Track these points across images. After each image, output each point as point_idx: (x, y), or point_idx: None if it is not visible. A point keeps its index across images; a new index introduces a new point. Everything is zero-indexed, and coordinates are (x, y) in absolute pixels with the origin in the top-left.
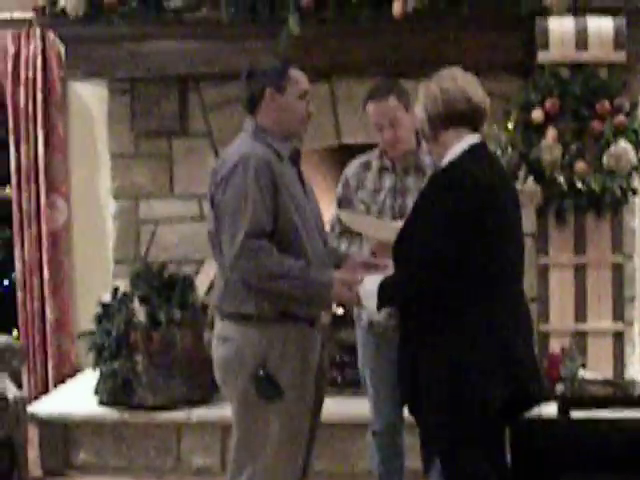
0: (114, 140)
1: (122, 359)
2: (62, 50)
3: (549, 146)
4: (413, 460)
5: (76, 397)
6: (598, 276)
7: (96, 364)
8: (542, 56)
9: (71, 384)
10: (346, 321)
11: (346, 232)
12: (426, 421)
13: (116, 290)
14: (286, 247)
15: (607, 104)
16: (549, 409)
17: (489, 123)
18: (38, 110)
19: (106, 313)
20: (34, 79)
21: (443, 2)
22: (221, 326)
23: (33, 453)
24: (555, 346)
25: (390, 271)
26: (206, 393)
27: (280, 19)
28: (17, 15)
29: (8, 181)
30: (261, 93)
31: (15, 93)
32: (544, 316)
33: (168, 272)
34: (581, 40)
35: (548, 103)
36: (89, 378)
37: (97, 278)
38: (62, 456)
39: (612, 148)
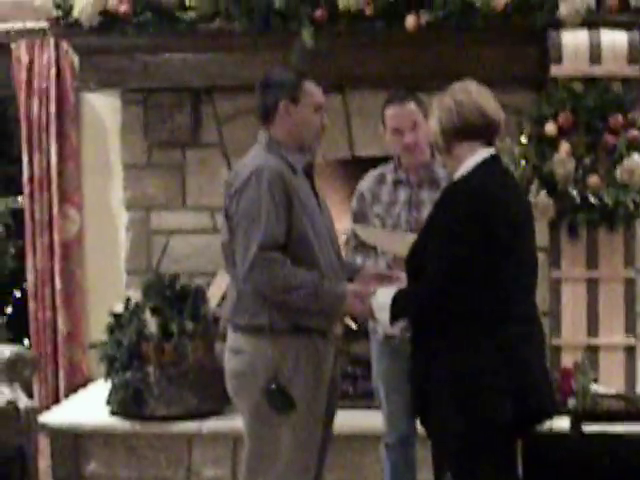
0: (127, 151)
1: (134, 370)
2: (76, 60)
3: (562, 160)
4: (425, 473)
5: (87, 407)
6: (610, 290)
7: (108, 375)
8: (555, 70)
9: (82, 394)
10: (358, 333)
11: (361, 246)
12: (438, 434)
13: (128, 301)
14: (299, 259)
15: (620, 118)
16: (561, 423)
17: (502, 136)
18: (51, 120)
19: (118, 324)
20: (47, 89)
21: (456, 15)
22: (234, 338)
23: (44, 463)
24: (567, 360)
25: (403, 284)
26: (217, 405)
27: (294, 31)
28: (31, 25)
29: (21, 191)
30: (275, 105)
31: (28, 103)
32: (556, 330)
33: (180, 283)
34: (595, 54)
35: (561, 117)
36: (100, 388)
37: (109, 289)
38: (73, 466)
39: (625, 162)
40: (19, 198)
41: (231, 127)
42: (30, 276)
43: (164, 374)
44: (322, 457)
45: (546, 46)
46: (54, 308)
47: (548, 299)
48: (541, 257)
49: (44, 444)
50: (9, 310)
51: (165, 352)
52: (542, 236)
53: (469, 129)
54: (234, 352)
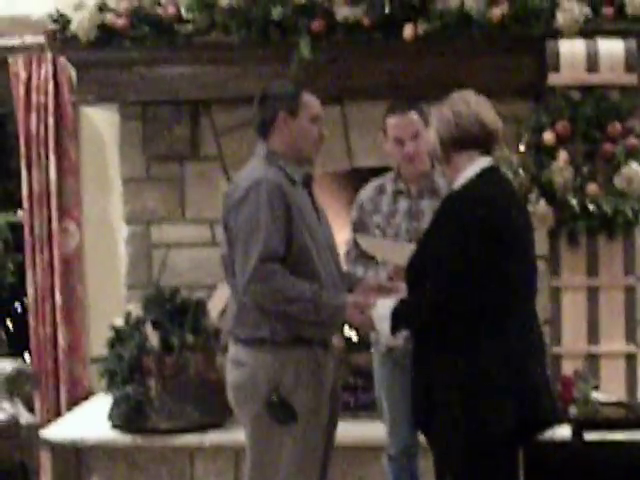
0: (126, 164)
1: (135, 384)
2: (73, 75)
3: (560, 168)
4: None
5: (89, 422)
6: (610, 298)
7: (109, 389)
8: (553, 78)
9: (84, 409)
10: (359, 344)
11: (362, 257)
12: (439, 443)
13: (128, 315)
14: (299, 271)
15: (618, 126)
16: (562, 431)
17: (500, 146)
18: (50, 135)
19: (119, 338)
20: (46, 104)
21: (454, 25)
22: (235, 350)
23: (46, 478)
24: (568, 368)
25: (403, 295)
26: (219, 417)
27: (291, 43)
28: (28, 40)
29: (20, 206)
30: (273, 117)
31: (27, 118)
32: (557, 338)
33: (180, 297)
34: (592, 62)
35: (559, 125)
36: (102, 403)
37: (109, 303)
38: None
39: (623, 170)
40: (18, 213)
41: (230, 139)
42: (30, 291)
43: (165, 387)
44: (324, 468)
45: (543, 55)
46: (54, 323)
47: (548, 307)
48: (541, 265)
49: (46, 459)
50: (9, 325)
51: (166, 365)
52: (542, 244)
53: (468, 139)
54: (235, 364)
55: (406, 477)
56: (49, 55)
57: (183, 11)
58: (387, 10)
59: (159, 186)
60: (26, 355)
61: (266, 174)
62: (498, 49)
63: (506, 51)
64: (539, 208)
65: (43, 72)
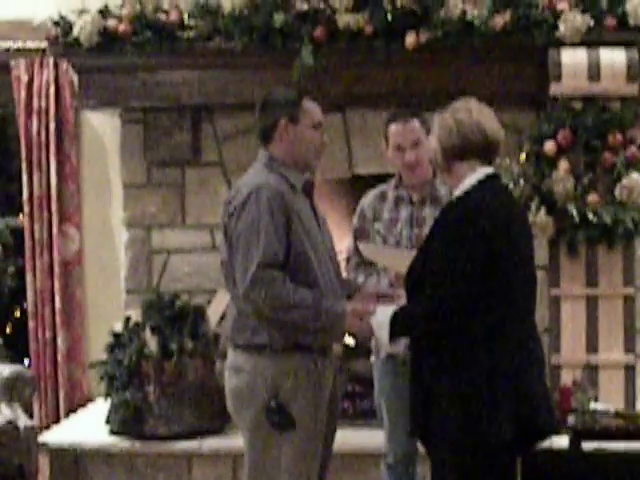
0: (126, 169)
1: (133, 389)
2: (75, 79)
3: (561, 178)
4: None
5: (87, 427)
6: (609, 308)
7: (107, 394)
8: (555, 88)
9: (82, 414)
10: (358, 352)
11: (363, 264)
12: (438, 453)
13: (128, 320)
14: (299, 278)
15: (619, 136)
16: (560, 441)
17: (502, 155)
18: (51, 139)
19: (118, 343)
20: (47, 108)
21: (456, 34)
22: (234, 356)
23: None
24: (567, 378)
25: (403, 302)
26: (217, 423)
27: (293, 50)
28: (30, 44)
29: (20, 210)
30: (275, 123)
31: (28, 122)
32: (556, 348)
33: (180, 302)
34: (594, 72)
35: (560, 135)
36: (100, 408)
37: (109, 308)
38: None
39: (624, 180)
40: (19, 217)
41: (231, 146)
42: (30, 295)
43: (164, 393)
44: (322, 475)
45: (545, 65)
46: (54, 327)
47: (547, 317)
48: (541, 275)
49: (44, 463)
50: (9, 329)
51: (165, 371)
52: (542, 254)
53: (469, 148)
54: (234, 370)
55: None
56: (51, 59)
57: (185, 17)
58: (389, 18)
59: (160, 191)
60: (25, 359)
61: (267, 180)
62: (500, 58)
63: (508, 60)
64: (539, 217)
65: (45, 76)
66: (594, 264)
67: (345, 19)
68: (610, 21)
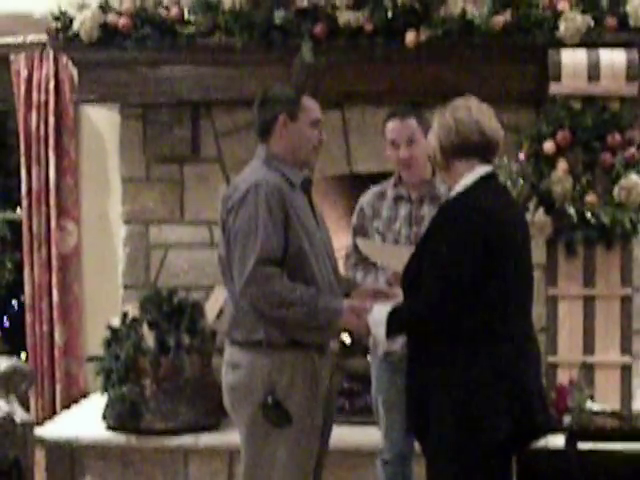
0: (125, 164)
1: (130, 384)
2: (75, 74)
3: (560, 178)
4: None
5: (84, 421)
6: (607, 308)
7: (104, 388)
8: (554, 88)
9: (79, 408)
10: (354, 349)
11: (362, 261)
12: (433, 451)
13: (125, 315)
14: (296, 274)
15: (618, 137)
16: (556, 440)
17: (500, 154)
18: (50, 133)
19: (115, 338)
20: (46, 102)
21: (456, 32)
22: (231, 352)
23: (40, 477)
24: (563, 378)
25: (400, 300)
26: (214, 419)
27: (293, 47)
28: (30, 38)
29: (19, 203)
30: (274, 120)
31: (27, 116)
32: (552, 347)
33: (177, 298)
34: (593, 72)
35: (559, 135)
36: (97, 402)
37: (106, 302)
38: None
39: (623, 181)
40: (17, 210)
41: (230, 142)
42: (27, 289)
43: (161, 388)
44: (318, 472)
45: (545, 64)
46: (51, 321)
47: (544, 316)
48: (538, 274)
49: (40, 457)
50: (6, 323)
51: (162, 366)
52: (539, 253)
53: (468, 147)
54: (231, 366)
55: None
56: (50, 53)
57: (186, 13)
58: (389, 16)
59: (158, 187)
60: (22, 353)
61: (265, 177)
62: (500, 57)
63: (508, 59)
64: (537, 217)
65: (44, 70)
66: (592, 264)
67: (345, 16)
68: (610, 21)
